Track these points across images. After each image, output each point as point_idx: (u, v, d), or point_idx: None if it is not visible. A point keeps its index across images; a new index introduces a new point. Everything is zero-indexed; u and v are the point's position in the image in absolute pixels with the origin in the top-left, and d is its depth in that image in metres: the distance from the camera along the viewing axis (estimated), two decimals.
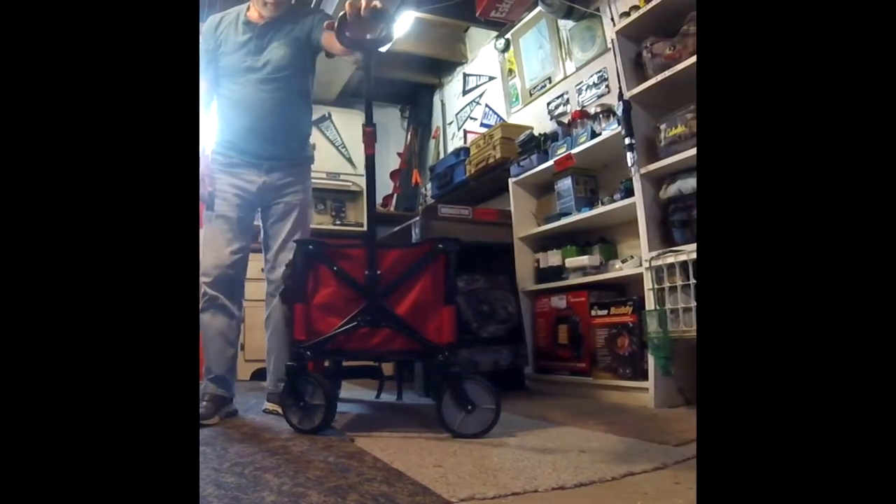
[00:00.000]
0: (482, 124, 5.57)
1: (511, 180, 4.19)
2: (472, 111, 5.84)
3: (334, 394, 2.27)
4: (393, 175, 6.50)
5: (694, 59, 2.76)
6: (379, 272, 2.30)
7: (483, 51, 5.65)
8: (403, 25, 5.07)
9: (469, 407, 2.15)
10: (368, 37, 2.25)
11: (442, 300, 2.38)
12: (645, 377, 2.95)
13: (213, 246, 2.75)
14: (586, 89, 4.22)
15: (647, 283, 2.92)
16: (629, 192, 3.26)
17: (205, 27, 2.76)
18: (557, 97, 4.53)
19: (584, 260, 3.60)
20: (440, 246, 2.41)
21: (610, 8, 3.87)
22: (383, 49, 2.78)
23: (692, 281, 2.64)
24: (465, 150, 5.10)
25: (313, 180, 5.62)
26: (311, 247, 2.44)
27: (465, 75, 5.97)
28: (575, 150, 3.67)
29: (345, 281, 2.35)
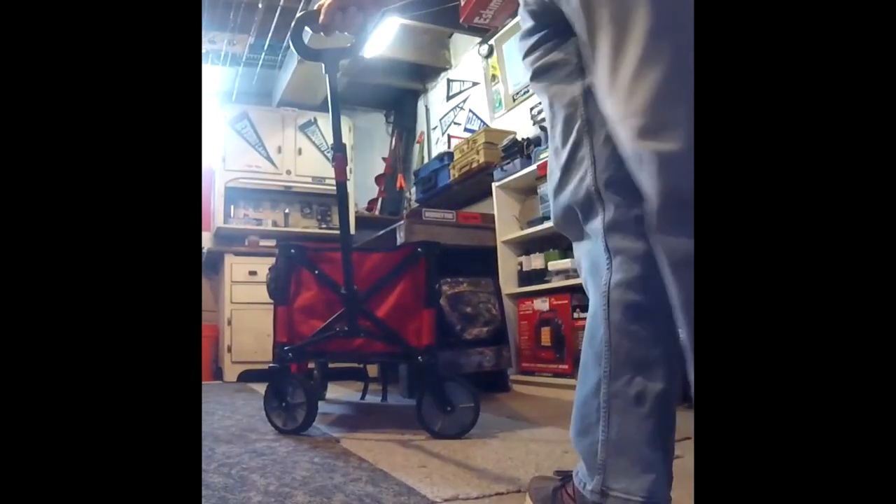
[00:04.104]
0: (466, 129, 5.59)
1: (494, 184, 4.21)
2: (455, 116, 5.86)
3: (315, 393, 2.30)
4: (378, 179, 6.52)
5: None
6: (360, 277, 2.31)
7: (467, 57, 5.67)
8: (388, 32, 5.09)
9: (448, 408, 2.18)
10: (330, 46, 2.07)
11: (422, 303, 2.40)
12: None
13: None
14: None
15: None
16: None
17: None
18: (540, 102, 4.54)
19: (566, 263, 3.63)
20: (420, 249, 2.44)
21: None
22: (345, 61, 2.59)
23: None
24: (449, 155, 5.12)
25: (299, 184, 5.61)
26: (293, 250, 2.45)
27: (449, 81, 6.00)
28: None
29: (326, 285, 2.38)
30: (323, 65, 2.05)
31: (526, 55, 1.23)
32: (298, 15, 1.88)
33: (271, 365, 2.36)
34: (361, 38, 1.93)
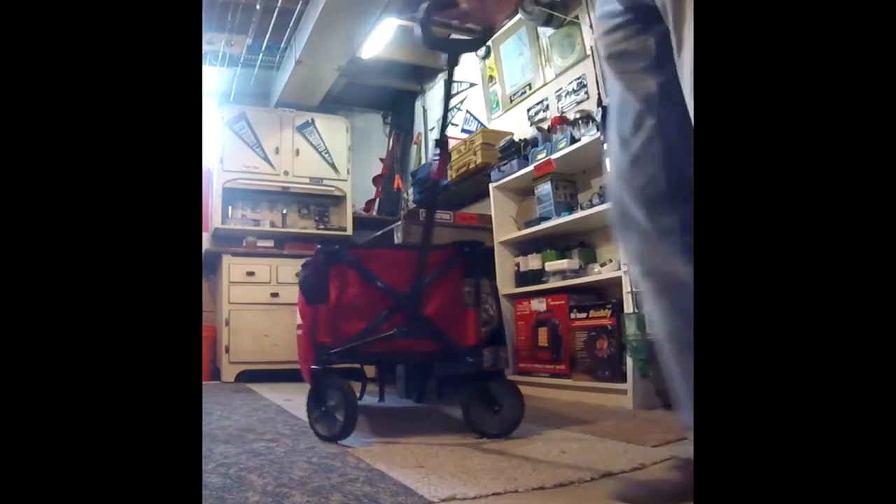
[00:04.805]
0: (463, 130, 5.59)
1: (492, 185, 4.22)
2: (453, 117, 5.87)
3: (355, 398, 2.16)
4: (375, 180, 6.52)
5: None
6: (406, 276, 2.25)
7: (464, 58, 5.65)
8: (385, 33, 5.09)
9: (496, 407, 2.18)
10: (454, 35, 2.03)
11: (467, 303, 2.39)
12: (623, 379, 2.99)
13: None
14: (566, 95, 4.26)
15: (626, 287, 2.96)
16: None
17: None
18: (537, 103, 4.56)
19: (563, 264, 3.64)
20: (466, 249, 2.41)
21: (589, 15, 3.92)
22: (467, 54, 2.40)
23: None
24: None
25: (296, 185, 5.60)
26: (337, 246, 2.37)
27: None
28: (554, 156, 3.71)
29: (377, 285, 2.30)
30: (445, 55, 1.95)
31: (606, 34, 1.21)
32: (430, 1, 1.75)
33: (313, 367, 2.23)
34: (488, 34, 1.85)
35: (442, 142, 2.06)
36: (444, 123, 2.05)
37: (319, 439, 2.12)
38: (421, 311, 2.24)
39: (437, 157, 2.08)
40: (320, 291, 2.33)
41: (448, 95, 2.02)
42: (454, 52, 1.96)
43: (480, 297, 2.48)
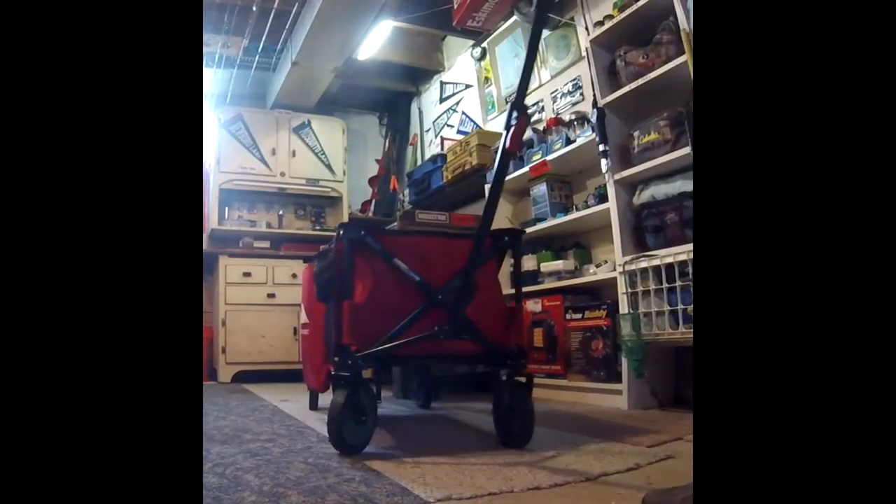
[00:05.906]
0: (459, 131, 5.60)
1: (487, 186, 4.22)
2: (449, 118, 5.87)
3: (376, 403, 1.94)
4: (371, 181, 6.53)
5: (666, 67, 2.81)
6: (442, 267, 2.02)
7: (460, 59, 5.69)
8: (381, 34, 5.10)
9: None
10: None
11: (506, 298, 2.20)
12: (618, 379, 3.00)
13: None
14: (561, 97, 4.27)
15: (621, 288, 2.96)
16: (603, 198, 3.31)
17: None
18: (533, 105, 4.57)
19: (558, 264, 3.65)
20: (506, 239, 2.22)
21: (584, 17, 3.92)
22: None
23: (665, 285, 2.69)
24: (442, 157, 5.13)
25: (292, 186, 5.58)
26: (362, 232, 2.05)
27: (443, 83, 6.01)
28: (550, 157, 3.72)
29: (414, 283, 2.03)
30: (534, 5, 1.86)
31: None
32: None
33: (340, 373, 1.97)
34: None
35: (519, 105, 1.75)
36: (525, 83, 1.77)
37: (349, 452, 1.88)
38: (465, 309, 1.97)
39: (514, 125, 1.77)
40: (343, 286, 2.04)
41: (534, 44, 1.74)
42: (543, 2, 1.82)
43: (521, 294, 2.26)
